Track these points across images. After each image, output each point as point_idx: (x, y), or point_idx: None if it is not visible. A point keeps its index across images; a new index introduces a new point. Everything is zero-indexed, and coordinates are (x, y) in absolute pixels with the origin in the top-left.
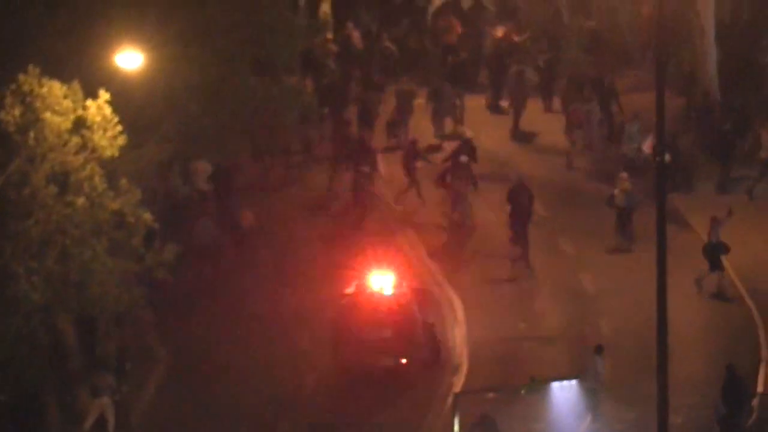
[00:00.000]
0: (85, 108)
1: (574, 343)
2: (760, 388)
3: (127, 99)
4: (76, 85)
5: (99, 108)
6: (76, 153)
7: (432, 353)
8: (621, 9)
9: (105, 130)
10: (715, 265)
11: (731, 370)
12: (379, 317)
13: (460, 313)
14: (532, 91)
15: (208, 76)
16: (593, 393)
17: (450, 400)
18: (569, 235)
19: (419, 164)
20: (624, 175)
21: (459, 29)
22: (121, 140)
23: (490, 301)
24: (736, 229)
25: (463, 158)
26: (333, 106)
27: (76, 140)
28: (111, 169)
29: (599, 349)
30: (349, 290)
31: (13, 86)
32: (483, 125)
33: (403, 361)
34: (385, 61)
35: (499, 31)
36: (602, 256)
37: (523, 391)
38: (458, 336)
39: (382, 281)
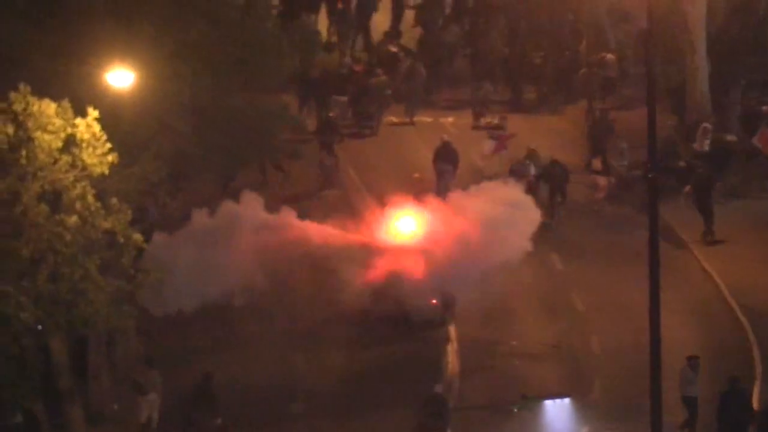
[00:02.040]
0: (74, 126)
1: (565, 360)
2: (755, 405)
3: (117, 117)
4: (66, 103)
5: (88, 126)
6: (67, 171)
7: None
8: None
9: (94, 148)
10: None
11: (734, 383)
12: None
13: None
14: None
15: (199, 94)
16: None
17: None
18: (559, 250)
19: None
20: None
21: None
22: (111, 158)
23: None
24: (730, 247)
25: None
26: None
27: (66, 159)
28: (101, 188)
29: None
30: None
31: (3, 105)
32: None
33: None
34: None
35: None
36: (593, 272)
37: (515, 409)
38: None
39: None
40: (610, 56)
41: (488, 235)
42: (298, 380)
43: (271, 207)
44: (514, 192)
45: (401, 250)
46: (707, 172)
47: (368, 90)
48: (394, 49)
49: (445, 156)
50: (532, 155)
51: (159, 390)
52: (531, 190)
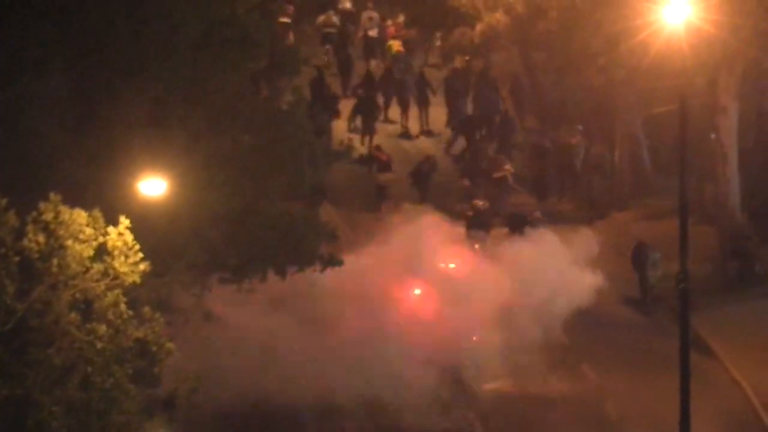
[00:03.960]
0: (106, 234)
1: None
2: None
3: (150, 226)
4: (96, 213)
5: (120, 234)
6: (98, 280)
7: None
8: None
9: (126, 257)
10: None
11: None
12: None
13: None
14: None
15: (232, 202)
16: None
17: None
18: (593, 360)
19: None
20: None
21: None
22: (143, 267)
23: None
24: (760, 354)
25: None
26: None
27: (98, 267)
28: (133, 296)
29: None
30: None
31: (34, 213)
32: None
33: None
34: None
35: None
36: (625, 381)
37: None
38: None
39: None
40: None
41: None
42: None
43: None
44: None
45: None
46: None
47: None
48: None
49: None
50: None
51: None
52: None
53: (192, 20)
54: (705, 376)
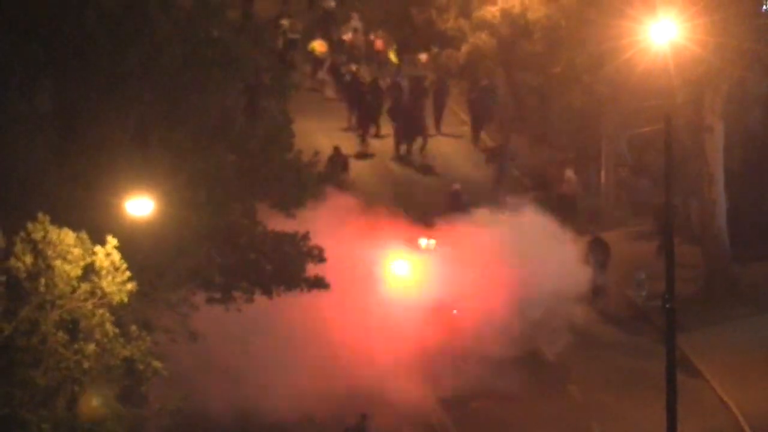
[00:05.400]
0: (93, 254)
1: None
2: None
3: (136, 245)
4: (83, 233)
5: (107, 254)
6: (86, 299)
7: None
8: None
9: (113, 276)
10: None
11: None
12: None
13: None
14: None
15: (218, 222)
16: None
17: None
18: (579, 380)
19: None
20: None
21: None
22: (130, 286)
23: None
24: (746, 373)
25: None
26: None
27: (85, 287)
28: (120, 315)
29: None
30: None
31: (22, 233)
32: None
33: None
34: None
35: None
36: (612, 402)
37: None
38: None
39: None
40: (569, 173)
41: None
42: None
43: None
44: None
45: None
46: None
47: None
48: None
49: None
50: None
51: None
52: None
53: (175, 40)
54: (692, 395)
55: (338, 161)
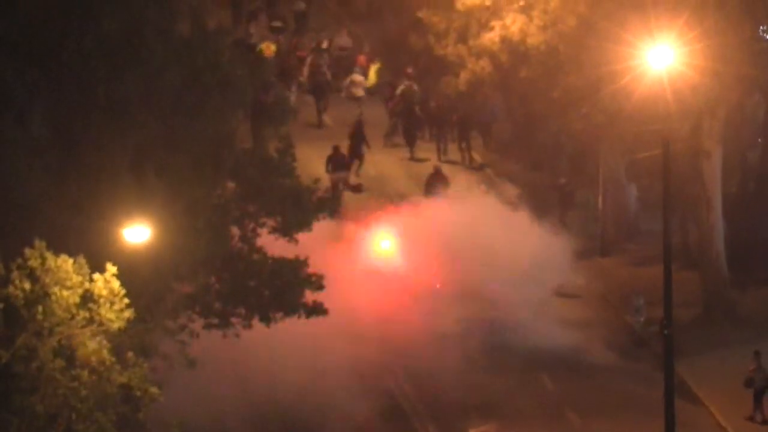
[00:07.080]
0: (92, 281)
1: None
2: None
3: (133, 272)
4: (81, 259)
5: (106, 281)
6: (84, 326)
7: None
8: None
9: (112, 304)
10: None
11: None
12: None
13: None
14: None
15: (216, 249)
16: None
17: None
18: (577, 406)
19: None
20: None
21: None
22: (128, 313)
23: None
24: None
25: None
26: None
27: (83, 314)
28: (117, 342)
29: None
30: None
31: (20, 260)
32: None
33: None
34: None
35: None
36: (610, 427)
37: None
38: None
39: None
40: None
41: None
42: None
43: None
44: None
45: None
46: None
47: None
48: None
49: None
50: None
51: None
52: None
53: (173, 65)
54: (690, 421)
55: (338, 161)
